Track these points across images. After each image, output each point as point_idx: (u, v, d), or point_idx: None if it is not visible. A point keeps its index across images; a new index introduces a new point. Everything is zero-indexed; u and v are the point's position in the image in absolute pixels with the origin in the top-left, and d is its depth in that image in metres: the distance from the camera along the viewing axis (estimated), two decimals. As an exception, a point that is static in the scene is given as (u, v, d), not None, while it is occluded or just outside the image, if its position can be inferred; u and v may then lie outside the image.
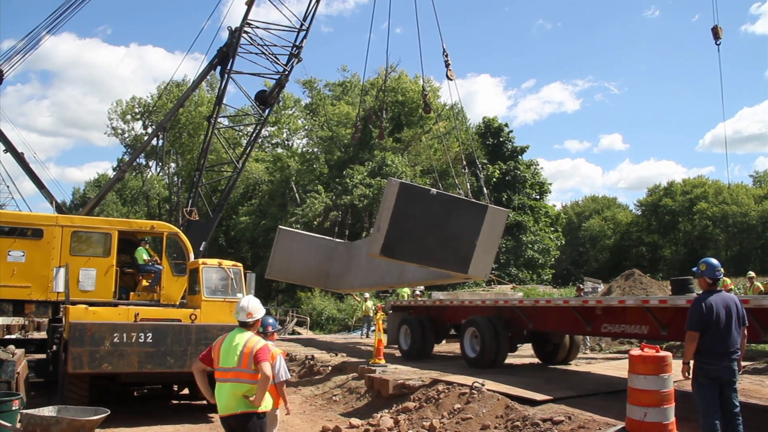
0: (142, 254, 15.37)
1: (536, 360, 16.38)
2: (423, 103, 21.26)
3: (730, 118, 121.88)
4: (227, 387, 6.05)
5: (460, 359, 15.97)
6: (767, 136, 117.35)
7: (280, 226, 24.27)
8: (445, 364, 15.55)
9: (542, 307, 14.03)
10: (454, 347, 18.94)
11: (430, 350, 17.73)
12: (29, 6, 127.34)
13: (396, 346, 18.58)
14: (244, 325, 6.28)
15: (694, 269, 7.36)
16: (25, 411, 8.69)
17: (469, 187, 17.98)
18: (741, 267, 48.11)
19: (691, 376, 7.08)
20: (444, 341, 19.49)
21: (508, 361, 15.34)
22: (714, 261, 7.25)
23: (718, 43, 15.96)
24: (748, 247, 67.24)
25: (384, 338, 15.68)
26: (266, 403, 6.14)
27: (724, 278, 18.02)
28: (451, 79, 18.16)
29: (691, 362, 7.05)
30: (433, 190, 14.29)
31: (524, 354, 17.49)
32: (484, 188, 18.39)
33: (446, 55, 18.07)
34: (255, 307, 6.35)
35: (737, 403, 7.01)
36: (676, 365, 7.51)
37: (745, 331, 7.23)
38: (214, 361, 6.23)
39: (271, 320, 7.69)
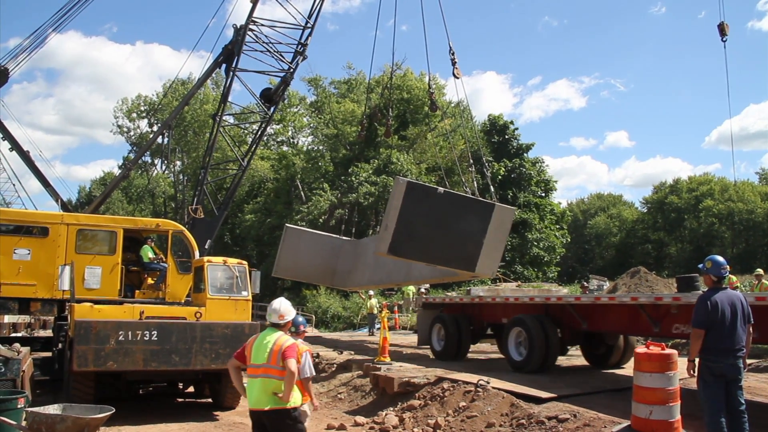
0: (148, 252, 15.39)
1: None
2: (429, 101, 21.27)
3: (736, 115, 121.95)
4: (257, 382, 6.29)
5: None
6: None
7: (287, 225, 24.28)
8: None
9: (602, 305, 12.52)
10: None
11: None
12: (35, 4, 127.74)
13: (427, 346, 17.21)
14: (276, 326, 6.53)
15: (700, 266, 7.33)
16: (30, 409, 8.70)
17: (476, 185, 17.91)
18: (747, 264, 48.00)
19: (696, 374, 7.06)
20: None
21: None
22: (720, 258, 7.22)
23: (724, 39, 15.92)
24: (754, 245, 67.05)
25: (389, 335, 15.63)
26: (295, 399, 6.36)
27: (730, 276, 17.93)
28: (457, 78, 18.16)
29: (696, 360, 7.02)
30: (441, 189, 14.29)
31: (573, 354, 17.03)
32: (491, 186, 18.27)
33: (453, 54, 18.06)
34: (286, 310, 6.62)
35: (743, 401, 6.98)
36: (682, 363, 7.47)
37: (751, 329, 7.20)
38: (247, 359, 6.47)
39: (301, 319, 8.08)
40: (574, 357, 15.90)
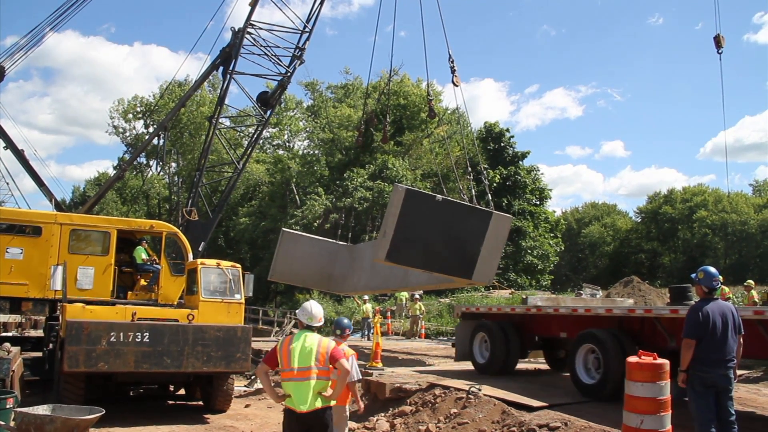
0: (141, 253, 15.35)
1: None
2: (428, 108, 21.29)
3: (731, 127, 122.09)
4: (306, 385, 6.34)
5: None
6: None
7: (284, 229, 24.27)
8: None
9: None
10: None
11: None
12: (33, 2, 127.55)
13: (467, 360, 15.13)
14: (310, 329, 6.66)
15: (693, 276, 7.36)
16: (19, 409, 8.66)
17: (473, 192, 17.93)
18: (739, 275, 48.12)
19: (685, 384, 7.08)
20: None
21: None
22: (712, 270, 7.25)
23: (720, 51, 16.01)
24: (746, 256, 67.26)
25: (381, 341, 15.59)
26: (334, 395, 6.58)
27: (723, 287, 17.98)
28: (456, 85, 18.18)
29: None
30: (439, 197, 14.33)
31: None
32: (489, 194, 18.26)
33: (452, 62, 18.06)
34: (318, 312, 6.79)
35: (733, 411, 7.01)
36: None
37: (741, 340, 7.23)
38: (282, 363, 6.48)
39: (346, 322, 8.41)
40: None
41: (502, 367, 13.98)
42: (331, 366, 6.42)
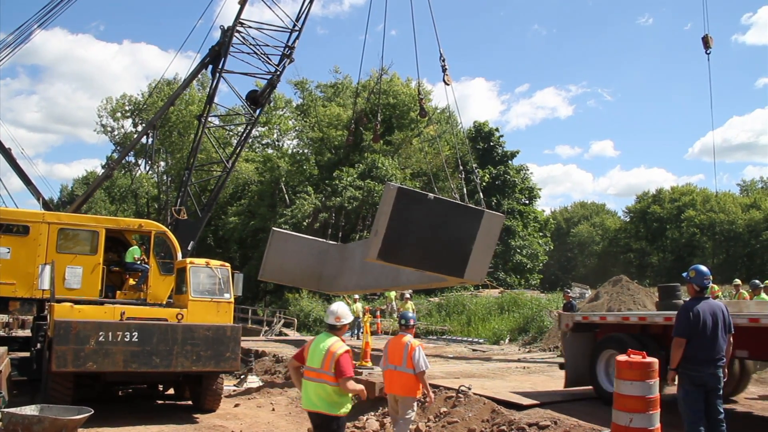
0: (134, 253, 15.26)
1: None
2: (419, 107, 21.31)
3: (719, 127, 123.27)
4: (311, 386, 6.50)
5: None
6: (755, 145, 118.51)
7: (274, 228, 24.22)
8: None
9: None
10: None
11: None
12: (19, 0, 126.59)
13: (583, 386, 11.12)
14: (332, 328, 6.70)
15: (684, 274, 7.39)
16: (6, 410, 8.61)
17: (465, 191, 17.95)
18: (727, 275, 48.40)
19: (677, 383, 7.11)
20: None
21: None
22: (703, 268, 7.27)
23: (708, 52, 16.12)
24: (734, 255, 67.68)
25: (371, 340, 15.53)
26: (346, 407, 6.53)
27: (713, 285, 18.07)
28: (448, 84, 18.19)
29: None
30: (431, 195, 14.32)
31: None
32: (480, 193, 18.29)
33: (443, 60, 18.08)
34: (344, 313, 6.76)
35: (722, 410, 7.04)
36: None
37: (731, 339, 7.26)
38: (305, 360, 6.68)
39: (410, 314, 8.62)
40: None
41: None
42: (336, 374, 6.33)
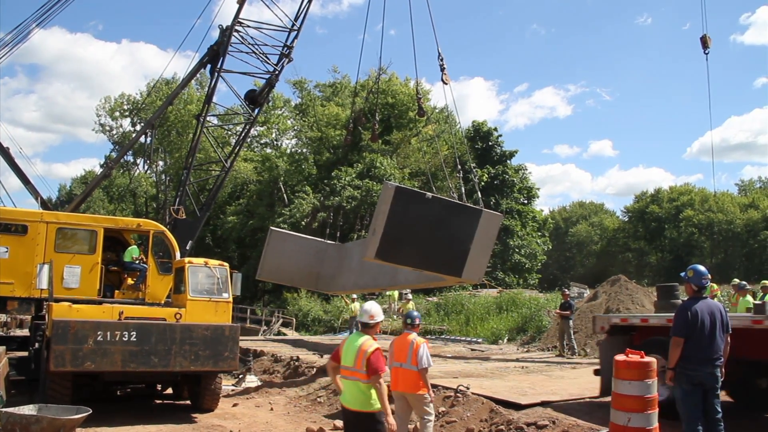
0: (133, 252, 15.24)
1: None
2: (417, 106, 21.33)
3: (717, 127, 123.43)
4: (348, 384, 6.75)
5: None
6: (754, 145, 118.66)
7: (272, 228, 24.21)
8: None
9: None
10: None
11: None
12: None
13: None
14: (365, 326, 6.95)
15: (682, 274, 7.40)
16: (4, 409, 8.60)
17: (464, 191, 17.95)
18: (725, 274, 48.48)
19: (672, 382, 7.12)
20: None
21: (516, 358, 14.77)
22: (702, 268, 7.29)
23: (706, 52, 16.17)
24: (732, 255, 67.78)
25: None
26: (379, 404, 6.61)
27: (712, 284, 18.02)
28: (446, 83, 18.19)
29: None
30: (429, 194, 14.32)
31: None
32: (478, 192, 18.28)
33: (441, 60, 18.09)
34: (378, 312, 7.03)
35: (719, 409, 7.06)
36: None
37: (729, 338, 7.27)
38: (341, 359, 6.92)
39: (416, 313, 8.80)
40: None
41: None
42: (368, 372, 6.51)
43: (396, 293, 30.89)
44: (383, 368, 6.55)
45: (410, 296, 28.00)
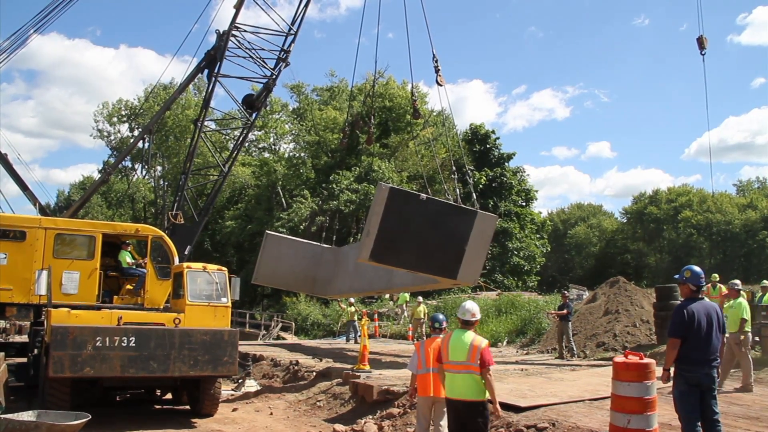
0: (125, 257, 15.25)
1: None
2: (413, 109, 21.40)
3: (715, 128, 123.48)
4: (459, 377, 7.36)
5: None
6: (752, 145, 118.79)
7: (268, 231, 24.19)
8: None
9: None
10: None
11: None
12: (15, 4, 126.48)
13: None
14: (466, 324, 7.58)
15: (677, 276, 7.40)
16: (4, 416, 8.59)
17: (458, 193, 17.95)
18: (724, 275, 48.43)
19: (672, 383, 7.13)
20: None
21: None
22: (698, 269, 7.30)
23: (703, 53, 16.21)
24: (731, 255, 67.75)
25: (369, 343, 15.49)
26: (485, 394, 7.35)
27: (720, 285, 17.92)
28: (441, 85, 18.23)
29: (672, 369, 7.09)
30: (423, 196, 14.29)
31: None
32: (474, 194, 18.29)
33: (436, 61, 18.15)
34: (477, 310, 7.75)
35: (717, 410, 7.05)
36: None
37: (725, 339, 7.27)
38: (443, 356, 7.59)
39: (441, 316, 9.09)
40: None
41: None
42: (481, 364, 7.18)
43: (407, 295, 30.93)
44: (493, 361, 7.28)
45: (421, 298, 28.12)
